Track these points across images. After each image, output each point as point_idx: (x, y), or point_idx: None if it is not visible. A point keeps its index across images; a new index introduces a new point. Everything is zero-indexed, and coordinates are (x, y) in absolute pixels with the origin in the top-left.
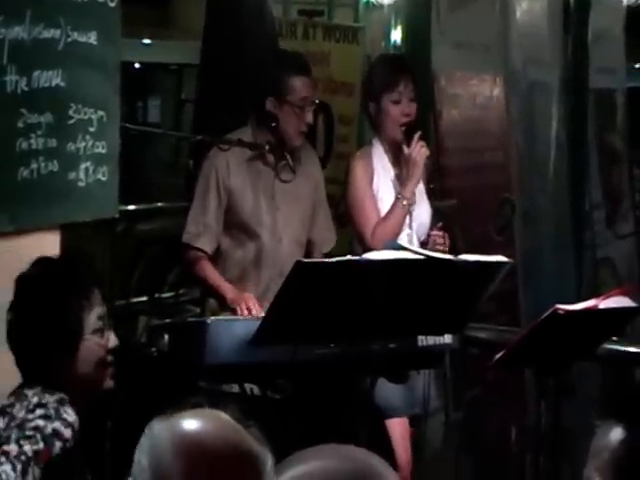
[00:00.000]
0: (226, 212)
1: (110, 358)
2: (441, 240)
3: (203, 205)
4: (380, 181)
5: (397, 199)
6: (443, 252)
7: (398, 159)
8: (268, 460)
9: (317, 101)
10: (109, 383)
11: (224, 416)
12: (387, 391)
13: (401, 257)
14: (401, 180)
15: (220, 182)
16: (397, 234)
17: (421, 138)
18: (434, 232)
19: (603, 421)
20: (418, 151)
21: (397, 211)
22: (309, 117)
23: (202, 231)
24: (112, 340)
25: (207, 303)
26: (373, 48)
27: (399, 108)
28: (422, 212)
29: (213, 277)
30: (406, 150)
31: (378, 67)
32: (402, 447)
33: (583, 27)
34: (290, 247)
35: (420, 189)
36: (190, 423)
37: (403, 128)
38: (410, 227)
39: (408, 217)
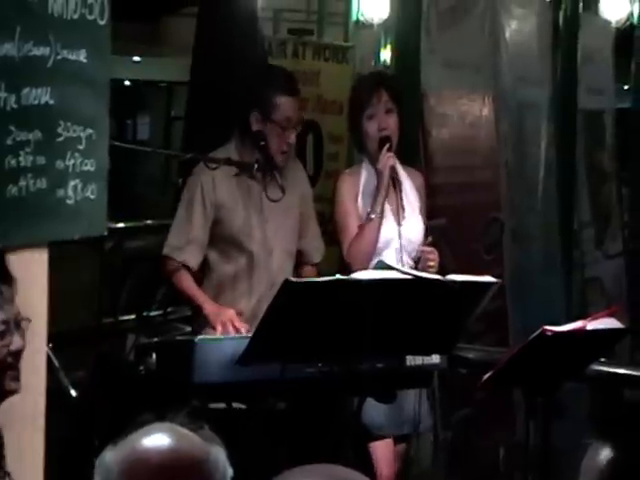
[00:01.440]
0: (214, 226)
1: (11, 360)
2: (432, 256)
3: (187, 219)
4: (365, 200)
5: (368, 213)
6: (434, 269)
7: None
8: (219, 458)
9: (300, 126)
10: (12, 385)
11: (171, 427)
12: (375, 411)
13: (389, 277)
14: (397, 193)
15: (206, 196)
16: (371, 250)
17: (390, 149)
18: (424, 248)
19: (593, 441)
20: (384, 162)
21: (368, 226)
22: (292, 138)
23: (185, 245)
24: (15, 343)
25: (199, 320)
26: (363, 67)
27: (374, 123)
28: (412, 229)
29: (191, 288)
30: (397, 170)
31: (355, 88)
32: (385, 465)
33: (572, 48)
34: (281, 258)
35: (412, 205)
36: (135, 445)
37: (378, 143)
38: (388, 243)
39: (396, 233)
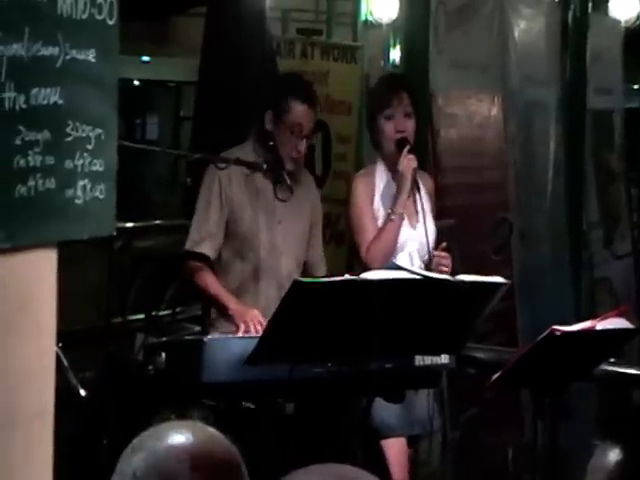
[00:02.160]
0: (227, 223)
1: None
2: (445, 261)
3: (206, 215)
4: (381, 200)
5: (388, 214)
6: (446, 273)
7: None
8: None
9: (311, 139)
10: None
11: (204, 427)
12: (386, 411)
13: (398, 277)
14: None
15: (222, 192)
16: (391, 251)
17: (410, 151)
18: (438, 252)
19: (601, 441)
20: (406, 164)
21: (388, 227)
22: (301, 146)
23: (205, 238)
24: None
25: (209, 319)
26: (371, 67)
27: (392, 124)
28: (425, 231)
29: (214, 286)
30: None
31: (375, 87)
32: (398, 466)
33: (581, 47)
34: (290, 264)
35: (425, 208)
36: (187, 436)
37: (395, 144)
38: (408, 246)
39: (409, 235)
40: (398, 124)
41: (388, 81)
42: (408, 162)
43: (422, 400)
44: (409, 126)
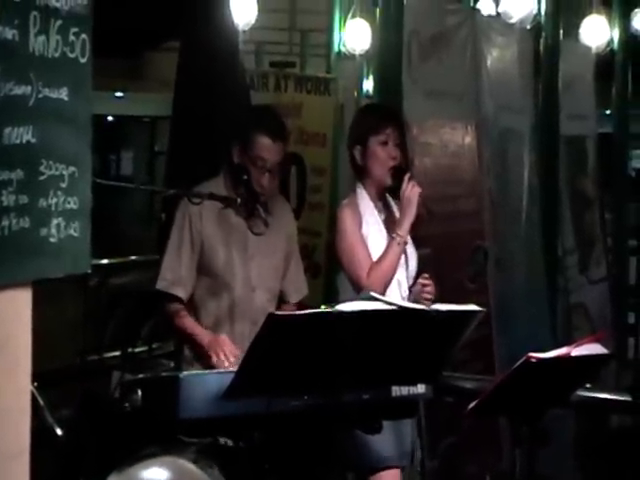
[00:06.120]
0: (199, 260)
1: None
2: (429, 289)
3: (177, 253)
4: (369, 227)
5: (392, 238)
6: (430, 300)
7: (385, 204)
8: None
9: (276, 174)
10: None
11: (181, 462)
12: (382, 442)
13: (373, 308)
14: (396, 220)
15: (193, 230)
16: (392, 275)
17: (411, 178)
18: (421, 280)
19: (579, 467)
20: (411, 190)
21: (392, 251)
22: (264, 180)
23: (177, 278)
24: None
25: (183, 356)
26: (345, 97)
27: (387, 150)
28: (411, 260)
29: (190, 327)
30: (389, 198)
31: (365, 112)
32: None
33: (553, 74)
34: (263, 297)
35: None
36: (150, 473)
37: (391, 172)
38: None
39: (399, 264)
40: (392, 151)
41: (381, 110)
42: (413, 188)
43: (408, 431)
44: (399, 155)
